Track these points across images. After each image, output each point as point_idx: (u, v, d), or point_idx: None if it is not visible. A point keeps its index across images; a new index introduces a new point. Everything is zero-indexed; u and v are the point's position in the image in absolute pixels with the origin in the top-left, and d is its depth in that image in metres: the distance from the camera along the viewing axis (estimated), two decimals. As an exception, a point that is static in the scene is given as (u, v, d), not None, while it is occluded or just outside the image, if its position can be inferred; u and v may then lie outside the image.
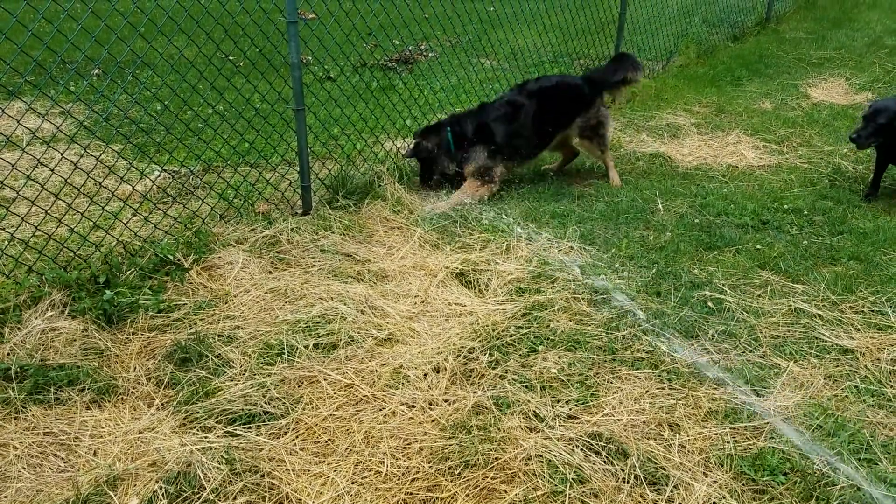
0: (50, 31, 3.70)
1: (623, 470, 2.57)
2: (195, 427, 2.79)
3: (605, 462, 2.61)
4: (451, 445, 2.68)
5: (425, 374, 3.09)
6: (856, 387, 3.04)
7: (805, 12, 11.77)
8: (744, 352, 3.28)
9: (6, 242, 3.89)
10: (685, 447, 2.69)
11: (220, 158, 5.31)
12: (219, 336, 3.34)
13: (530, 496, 2.46)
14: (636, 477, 2.54)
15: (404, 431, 2.78)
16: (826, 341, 3.34)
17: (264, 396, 2.95)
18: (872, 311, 3.58)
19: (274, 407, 2.90)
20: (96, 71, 7.68)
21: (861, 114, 5.14)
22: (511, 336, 3.36)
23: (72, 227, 3.97)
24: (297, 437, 2.77)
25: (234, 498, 2.45)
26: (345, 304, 3.55)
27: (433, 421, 2.83)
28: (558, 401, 2.94)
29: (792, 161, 5.73)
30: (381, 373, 3.10)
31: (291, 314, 3.51)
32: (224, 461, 2.58)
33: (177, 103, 6.50)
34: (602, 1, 7.47)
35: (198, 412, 2.86)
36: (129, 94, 6.50)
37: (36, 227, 3.87)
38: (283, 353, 3.22)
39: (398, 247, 4.25)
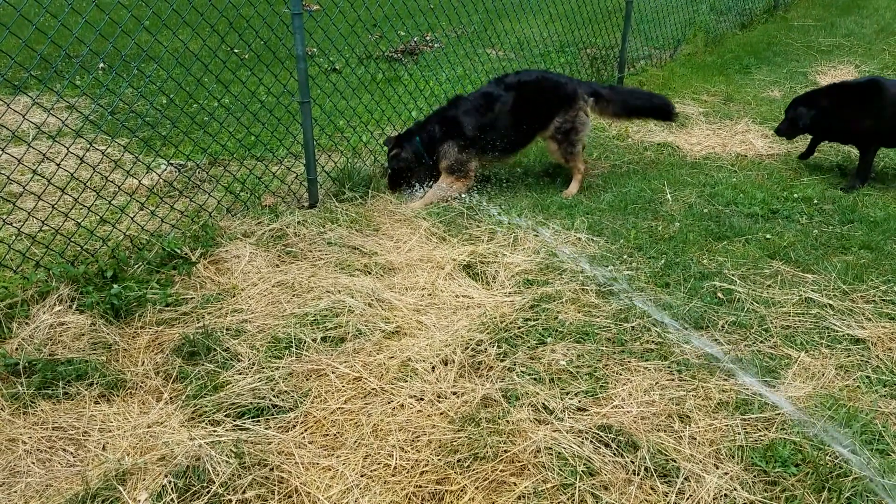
0: (54, 26, 3.69)
1: (633, 462, 2.56)
2: (204, 421, 2.79)
3: (614, 454, 2.60)
4: (459, 438, 2.67)
5: (433, 367, 3.08)
6: (867, 377, 3.02)
7: (813, -1, 11.67)
8: (754, 342, 3.25)
9: (13, 237, 3.89)
10: (696, 439, 2.68)
11: (226, 152, 5.29)
12: (227, 330, 3.33)
13: (540, 489, 2.45)
14: (646, 469, 2.53)
15: (413, 424, 2.77)
16: (837, 331, 3.31)
17: (273, 390, 2.95)
18: (884, 300, 3.55)
19: (282, 400, 2.90)
20: (101, 65, 7.68)
21: None
22: (519, 328, 3.34)
23: (78, 221, 3.97)
24: (305, 430, 2.76)
25: (244, 492, 2.45)
26: (352, 297, 3.54)
27: (442, 413, 2.82)
28: (567, 393, 2.92)
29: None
30: (389, 366, 3.10)
31: (299, 307, 3.50)
32: (233, 455, 2.57)
33: (182, 97, 6.49)
34: (608, -11, 7.42)
35: (206, 406, 2.86)
36: (134, 87, 6.49)
37: (43, 222, 3.88)
38: (291, 347, 3.22)
39: (405, 239, 4.23)
